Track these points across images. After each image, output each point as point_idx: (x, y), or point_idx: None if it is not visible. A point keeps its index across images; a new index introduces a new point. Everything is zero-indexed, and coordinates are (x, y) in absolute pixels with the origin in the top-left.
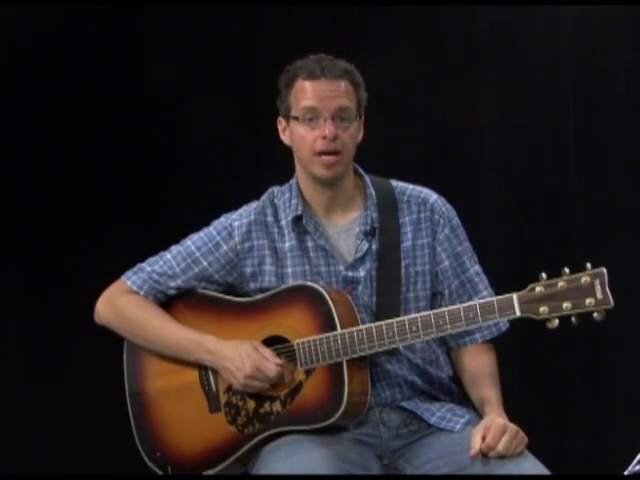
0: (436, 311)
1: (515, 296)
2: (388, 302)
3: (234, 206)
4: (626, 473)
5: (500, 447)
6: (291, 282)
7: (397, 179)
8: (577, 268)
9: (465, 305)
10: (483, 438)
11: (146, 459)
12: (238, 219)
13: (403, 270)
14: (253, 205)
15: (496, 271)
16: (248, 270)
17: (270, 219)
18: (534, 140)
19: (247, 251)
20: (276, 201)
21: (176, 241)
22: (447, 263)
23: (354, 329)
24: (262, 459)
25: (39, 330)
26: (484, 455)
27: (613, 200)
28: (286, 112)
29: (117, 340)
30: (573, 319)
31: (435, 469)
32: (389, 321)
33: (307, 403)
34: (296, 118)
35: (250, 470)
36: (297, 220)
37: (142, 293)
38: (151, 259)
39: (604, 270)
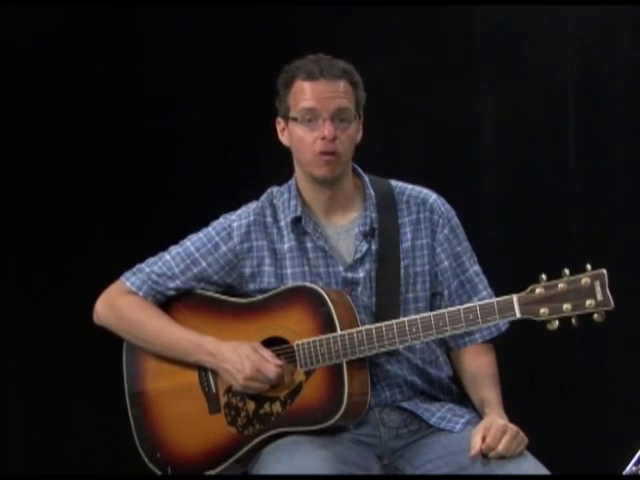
0: (436, 312)
1: (515, 297)
2: (387, 303)
3: (233, 206)
4: (624, 473)
5: (500, 447)
6: (290, 283)
7: (397, 179)
8: (577, 269)
9: (465, 307)
10: (483, 438)
11: (146, 460)
12: (237, 220)
13: (402, 271)
14: (252, 206)
15: (496, 271)
16: (247, 271)
17: (269, 220)
18: (534, 140)
19: (246, 252)
20: (275, 202)
21: (175, 242)
22: (446, 263)
23: (354, 330)
24: (262, 460)
25: (39, 330)
26: (484, 455)
27: (613, 200)
28: (285, 113)
29: (117, 341)
30: (573, 320)
31: (435, 469)
32: (389, 322)
33: (307, 404)
34: (295, 119)
35: (250, 470)
36: (296, 221)
37: (141, 294)
38: (150, 260)
39: (604, 271)
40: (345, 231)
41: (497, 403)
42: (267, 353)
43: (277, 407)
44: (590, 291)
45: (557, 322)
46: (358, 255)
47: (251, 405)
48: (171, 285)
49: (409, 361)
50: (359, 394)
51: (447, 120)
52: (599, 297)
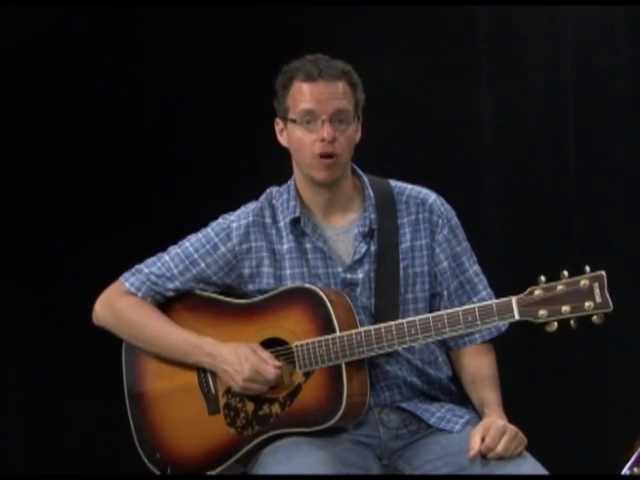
0: (435, 314)
1: (514, 299)
2: (387, 303)
3: (233, 206)
4: (623, 473)
5: (499, 448)
6: (289, 284)
7: (397, 179)
8: (576, 271)
9: (464, 308)
10: (482, 439)
11: (145, 460)
12: (236, 220)
13: (402, 271)
14: (251, 206)
15: (496, 271)
16: (246, 272)
17: (268, 220)
18: (534, 140)
19: (245, 252)
20: (274, 202)
21: (174, 242)
22: (446, 264)
23: (353, 332)
24: (261, 461)
25: (38, 331)
26: (483, 456)
27: (613, 200)
28: (283, 114)
29: (116, 341)
30: (572, 323)
31: (435, 470)
32: (388, 324)
33: (306, 405)
34: (294, 121)
35: (249, 471)
36: (295, 222)
37: (140, 295)
38: (149, 260)
39: (603, 273)
40: (344, 232)
41: (496, 404)
42: (266, 354)
43: (276, 408)
44: (589, 293)
45: (556, 324)
46: (357, 256)
47: (250, 406)
48: (170, 286)
49: (408, 362)
50: (358, 395)
51: (447, 120)
52: (598, 299)
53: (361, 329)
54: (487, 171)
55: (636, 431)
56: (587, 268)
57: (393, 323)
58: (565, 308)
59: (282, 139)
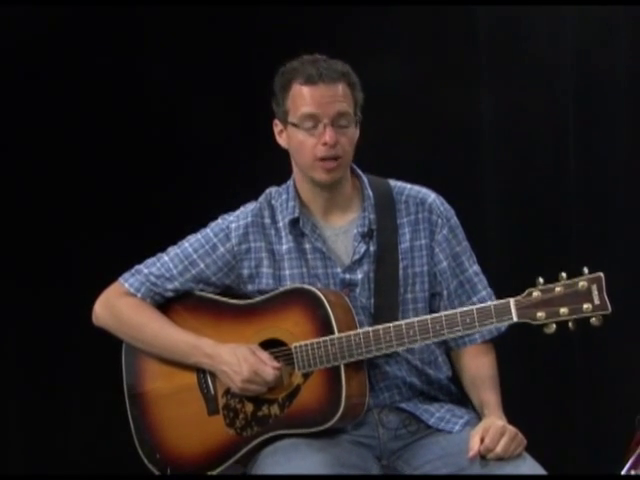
0: (433, 316)
1: (512, 301)
2: (386, 304)
3: (232, 207)
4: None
5: (499, 449)
6: (289, 284)
7: (397, 179)
8: (574, 273)
9: (462, 310)
10: (482, 440)
11: (145, 461)
12: (235, 221)
13: (401, 271)
14: (250, 207)
15: (496, 271)
16: (245, 272)
17: (267, 221)
18: (534, 140)
19: (244, 253)
20: (273, 202)
21: (174, 242)
22: (445, 264)
23: (351, 333)
24: (260, 462)
25: (38, 331)
26: (482, 457)
27: (613, 200)
28: (283, 116)
29: (116, 342)
30: (570, 324)
31: (434, 470)
32: (386, 325)
33: (305, 406)
34: (295, 124)
35: (249, 471)
36: (294, 222)
37: (139, 295)
38: (148, 261)
39: (601, 275)
40: (343, 232)
41: (496, 405)
42: (265, 355)
43: (275, 409)
44: (587, 295)
45: (554, 326)
46: (356, 256)
47: (249, 407)
48: (169, 286)
49: (408, 362)
50: (357, 396)
51: (447, 120)
52: (596, 301)
53: (359, 330)
54: (487, 171)
55: (636, 431)
56: (585, 270)
57: (391, 325)
58: (563, 310)
59: (281, 140)
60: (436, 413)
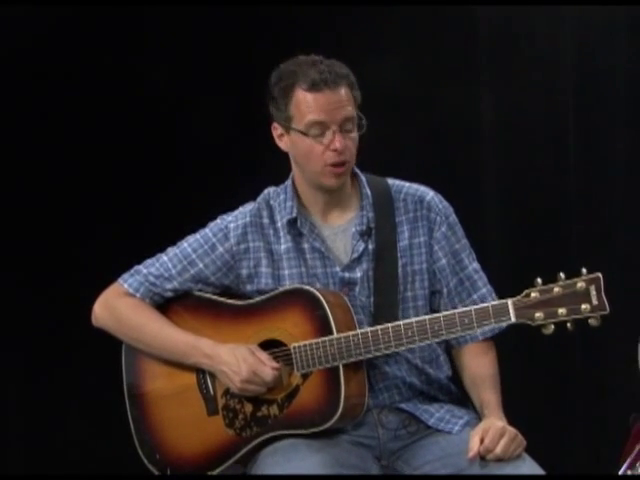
0: (432, 316)
1: (510, 302)
2: (386, 302)
3: (232, 207)
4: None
5: (498, 450)
6: (287, 284)
7: (396, 178)
8: (573, 273)
9: (460, 311)
10: (481, 440)
11: (145, 461)
12: (234, 221)
13: (400, 269)
14: (249, 207)
15: (496, 271)
16: (244, 272)
17: (266, 221)
18: (534, 140)
19: (243, 253)
20: (272, 202)
21: (174, 243)
22: (445, 261)
23: (350, 333)
24: (260, 462)
25: (38, 331)
26: (482, 458)
27: (613, 200)
28: (286, 122)
29: (116, 342)
30: (569, 325)
31: (433, 471)
32: (384, 326)
33: (304, 407)
34: (302, 132)
35: (248, 471)
36: (292, 223)
37: (139, 296)
38: (147, 261)
39: (600, 275)
40: (342, 231)
41: (496, 405)
42: (264, 356)
43: (274, 410)
44: (585, 295)
45: (553, 326)
46: (355, 255)
47: (249, 407)
48: (168, 286)
49: (408, 361)
50: (356, 396)
51: (447, 120)
52: (594, 301)
53: (358, 331)
54: (487, 171)
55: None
56: (584, 270)
57: (390, 325)
58: (561, 310)
59: (282, 144)
60: (436, 413)
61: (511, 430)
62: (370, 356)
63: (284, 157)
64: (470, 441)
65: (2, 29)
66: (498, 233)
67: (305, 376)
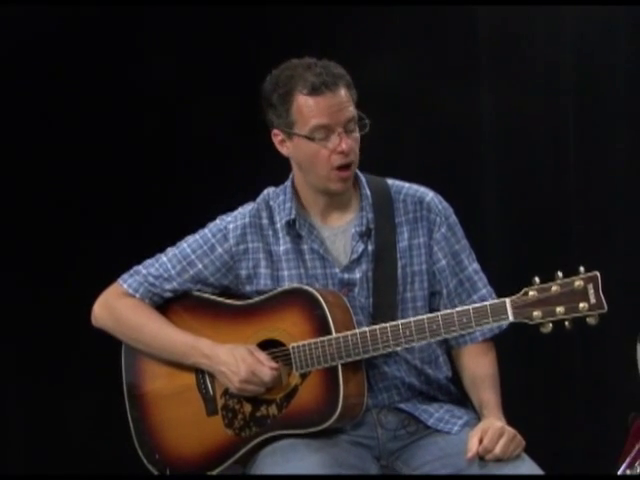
0: (430, 315)
1: (508, 301)
2: (385, 303)
3: (231, 207)
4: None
5: (497, 450)
6: (287, 285)
7: (396, 179)
8: (571, 272)
9: (458, 310)
10: (480, 441)
11: (145, 461)
12: (233, 221)
13: (400, 270)
14: (248, 207)
15: (496, 271)
16: (243, 273)
17: (265, 222)
18: (534, 140)
19: (242, 253)
20: (271, 203)
21: (173, 243)
22: (444, 262)
23: (348, 333)
24: (259, 462)
25: (38, 331)
26: (481, 458)
27: (613, 200)
28: (287, 127)
29: (116, 343)
30: (567, 324)
31: (433, 471)
32: (383, 325)
33: (303, 406)
34: (307, 137)
35: (248, 471)
36: (291, 224)
37: (138, 296)
38: (147, 261)
39: (597, 274)
40: (342, 232)
41: (495, 405)
42: (263, 356)
43: (273, 410)
44: (583, 294)
45: (551, 325)
46: (354, 256)
47: (248, 407)
48: (168, 287)
49: (407, 362)
50: (355, 396)
51: (447, 120)
52: (592, 300)
53: (356, 330)
54: (487, 171)
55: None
56: (581, 269)
57: (388, 325)
58: (559, 309)
59: (284, 150)
60: (435, 413)
61: (510, 430)
62: (369, 356)
63: (284, 157)
64: (469, 441)
65: (2, 29)
66: (498, 233)
67: (304, 376)
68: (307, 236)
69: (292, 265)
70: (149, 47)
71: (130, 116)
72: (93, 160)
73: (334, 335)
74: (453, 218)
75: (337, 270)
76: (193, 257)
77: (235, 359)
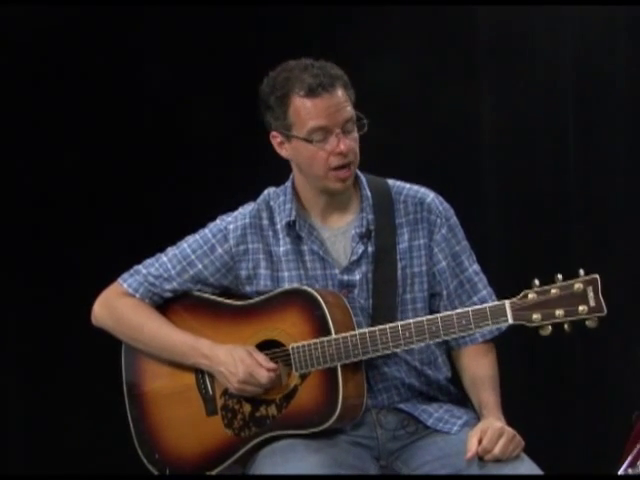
0: (429, 317)
1: (508, 303)
2: (384, 304)
3: (232, 207)
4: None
5: (496, 450)
6: (286, 285)
7: (396, 179)
8: (571, 274)
9: (458, 312)
10: (480, 441)
11: (145, 461)
12: (233, 222)
13: (400, 272)
14: (249, 208)
15: (496, 271)
16: (243, 273)
17: (265, 222)
18: (534, 140)
19: (242, 254)
20: (272, 203)
21: (173, 243)
22: (445, 263)
23: (348, 334)
24: (258, 462)
25: (38, 331)
26: (480, 459)
27: (613, 200)
28: (285, 129)
29: (116, 342)
30: (566, 326)
31: (432, 471)
32: (382, 327)
33: (302, 407)
34: (305, 139)
35: (247, 471)
36: (291, 225)
37: (138, 296)
38: (147, 261)
39: (597, 277)
40: (342, 233)
41: (495, 405)
42: (261, 357)
43: (273, 410)
44: (583, 297)
45: (550, 328)
46: (354, 257)
47: (247, 408)
48: (167, 287)
49: (407, 363)
50: (354, 396)
51: (447, 120)
52: (592, 303)
53: (356, 332)
54: (487, 171)
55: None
56: (581, 271)
57: (387, 326)
58: (559, 312)
59: (283, 152)
60: (435, 413)
61: (509, 430)
62: (368, 357)
63: (284, 158)
64: (468, 442)
65: (2, 29)
66: (498, 233)
67: (303, 376)
68: (307, 237)
69: (292, 266)
70: (149, 47)
71: (130, 116)
72: (93, 160)
73: (334, 336)
74: (454, 219)
75: (337, 271)
76: (193, 257)
77: (234, 360)
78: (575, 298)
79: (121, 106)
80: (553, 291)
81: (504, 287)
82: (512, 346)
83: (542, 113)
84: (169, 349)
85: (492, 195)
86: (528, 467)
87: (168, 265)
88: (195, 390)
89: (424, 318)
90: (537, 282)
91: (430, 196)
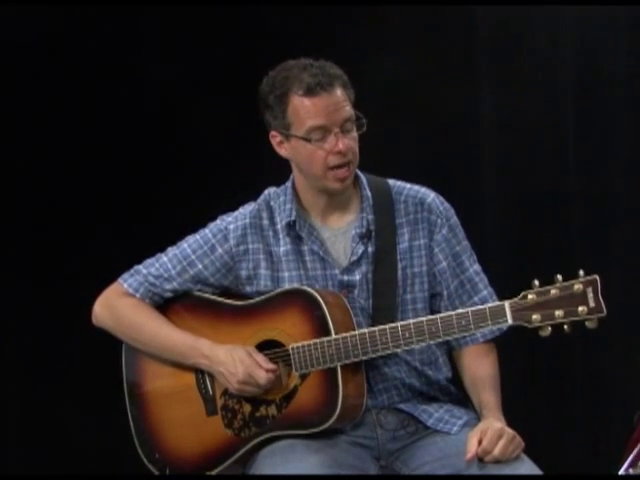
0: (429, 318)
1: (507, 304)
2: (385, 304)
3: (232, 207)
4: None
5: (496, 451)
6: (287, 286)
7: (396, 179)
8: (570, 275)
9: (457, 312)
10: (479, 442)
11: (145, 460)
12: (233, 222)
13: (400, 272)
14: (249, 208)
15: (496, 271)
16: (243, 273)
17: (266, 222)
18: (534, 140)
19: (242, 254)
20: (272, 203)
21: (174, 243)
22: (445, 264)
23: (348, 335)
24: (258, 463)
25: (38, 331)
26: (480, 459)
27: (613, 200)
28: (284, 129)
29: (116, 342)
30: (566, 327)
31: (432, 471)
32: (382, 327)
33: (302, 407)
34: (303, 138)
35: (247, 471)
36: (291, 225)
37: (138, 296)
38: (147, 261)
39: (597, 277)
40: (342, 233)
41: (495, 406)
42: (261, 358)
43: (273, 410)
44: (582, 297)
45: (550, 329)
46: (354, 257)
47: (247, 408)
48: (168, 287)
49: (407, 363)
50: (354, 397)
51: (447, 120)
52: (591, 304)
53: (356, 332)
54: (487, 171)
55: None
56: (581, 272)
57: (387, 326)
58: (558, 313)
59: (282, 151)
60: (435, 414)
61: (509, 431)
62: (368, 357)
63: (283, 158)
64: (468, 442)
65: (2, 29)
66: (498, 234)
67: (303, 377)
68: (307, 237)
69: (292, 266)
70: (149, 47)
71: (131, 116)
72: (93, 160)
73: (334, 336)
74: (454, 219)
75: (337, 272)
76: (193, 257)
77: (233, 360)
78: (575, 299)
79: (121, 106)
80: (553, 292)
81: (504, 287)
82: (512, 346)
83: (542, 113)
84: (169, 349)
85: (492, 195)
86: (528, 468)
87: (168, 265)
88: (195, 390)
89: (424, 318)
90: (537, 283)
91: (430, 196)
